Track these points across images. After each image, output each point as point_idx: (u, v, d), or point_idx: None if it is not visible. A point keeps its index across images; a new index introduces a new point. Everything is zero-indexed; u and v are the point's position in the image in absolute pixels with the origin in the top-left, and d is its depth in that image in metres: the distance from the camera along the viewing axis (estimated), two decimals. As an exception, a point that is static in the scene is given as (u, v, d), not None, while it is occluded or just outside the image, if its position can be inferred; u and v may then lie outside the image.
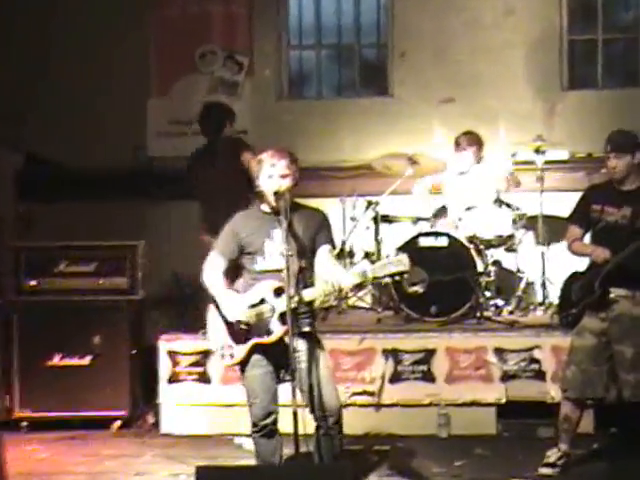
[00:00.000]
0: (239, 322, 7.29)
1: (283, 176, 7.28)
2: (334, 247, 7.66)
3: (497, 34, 12.94)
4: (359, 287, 10.19)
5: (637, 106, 12.62)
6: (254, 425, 7.53)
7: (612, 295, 8.37)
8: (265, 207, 7.48)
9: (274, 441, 7.56)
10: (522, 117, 12.55)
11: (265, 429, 7.50)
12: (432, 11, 12.89)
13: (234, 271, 7.62)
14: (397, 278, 7.67)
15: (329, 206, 10.27)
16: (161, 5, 13.26)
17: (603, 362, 8.44)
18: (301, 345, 7.30)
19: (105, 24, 12.83)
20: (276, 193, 7.25)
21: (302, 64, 13.84)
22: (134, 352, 10.69)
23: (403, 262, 7.05)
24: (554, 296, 11.24)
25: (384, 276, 7.23)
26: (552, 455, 8.61)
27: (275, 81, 13.43)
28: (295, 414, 7.00)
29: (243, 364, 7.46)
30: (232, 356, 7.45)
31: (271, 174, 7.30)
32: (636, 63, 13.33)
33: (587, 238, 8.77)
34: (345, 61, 13.92)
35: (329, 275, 7.25)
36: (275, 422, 7.52)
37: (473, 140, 11.52)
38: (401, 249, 10.26)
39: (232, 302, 7.35)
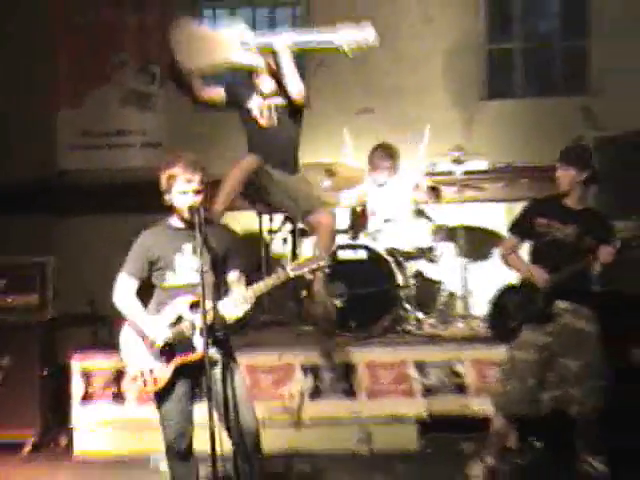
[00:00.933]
0: (165, 344, 7.22)
1: (196, 191, 7.23)
2: (244, 271, 7.63)
3: (416, 43, 12.92)
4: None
5: (556, 115, 12.66)
6: (168, 449, 7.48)
7: (555, 309, 8.37)
8: (176, 222, 7.42)
9: (190, 463, 7.53)
10: (441, 127, 12.41)
11: (180, 452, 7.45)
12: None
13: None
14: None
15: (246, 219, 10.16)
16: (69, 13, 13.06)
17: (542, 377, 8.44)
18: (217, 357, 7.28)
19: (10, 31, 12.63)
20: (191, 208, 7.19)
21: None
22: (45, 372, 10.51)
23: (319, 258, 7.26)
24: (475, 308, 11.39)
25: (304, 272, 7.29)
26: (475, 469, 8.56)
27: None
28: (212, 434, 6.92)
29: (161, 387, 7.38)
30: (155, 380, 7.35)
31: (186, 190, 7.24)
32: (554, 72, 13.31)
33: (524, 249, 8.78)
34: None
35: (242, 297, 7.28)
36: (190, 444, 7.48)
37: (386, 155, 11.46)
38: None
39: (153, 325, 7.27)
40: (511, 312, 8.70)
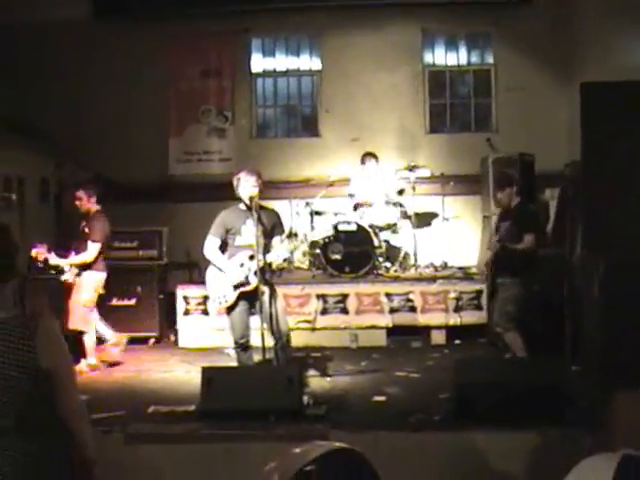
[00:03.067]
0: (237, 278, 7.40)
1: (253, 186, 7.38)
2: (283, 236, 7.77)
3: (386, 98, 12.84)
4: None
5: (468, 145, 12.65)
6: (235, 343, 7.64)
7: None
8: (242, 206, 7.53)
9: (248, 353, 7.68)
10: (401, 149, 12.51)
11: (242, 345, 7.57)
12: (345, 84, 12.88)
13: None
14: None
15: (281, 204, 10.26)
16: (177, 80, 13.11)
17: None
18: (265, 290, 7.35)
19: (139, 91, 12.67)
20: (250, 198, 7.30)
21: (265, 117, 13.75)
22: (161, 297, 10.67)
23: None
24: (421, 260, 11.45)
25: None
26: None
27: (248, 128, 13.29)
28: (262, 335, 7.21)
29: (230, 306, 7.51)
30: (226, 301, 7.51)
31: (245, 186, 7.39)
32: (469, 118, 13.32)
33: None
34: (291, 115, 13.81)
35: (282, 250, 7.57)
36: (248, 341, 7.62)
37: (372, 156, 11.47)
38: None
39: (228, 267, 7.43)
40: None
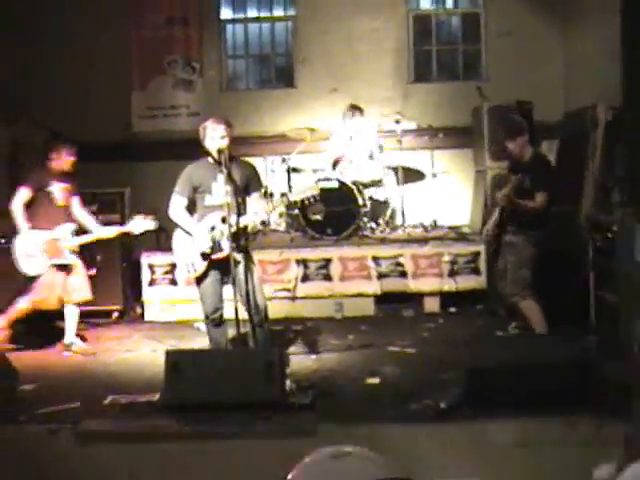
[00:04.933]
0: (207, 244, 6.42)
1: (222, 137, 6.39)
2: (261, 191, 6.85)
3: (366, 45, 11.85)
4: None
5: (457, 94, 11.73)
6: (206, 317, 6.66)
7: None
8: (210, 160, 6.51)
9: (221, 329, 6.67)
10: (384, 100, 11.50)
11: (215, 320, 6.58)
12: (322, 31, 11.83)
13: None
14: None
15: (256, 162, 9.18)
16: (139, 27, 11.99)
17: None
18: (240, 258, 6.35)
19: (96, 40, 11.51)
20: (218, 150, 6.32)
21: (236, 67, 12.66)
22: (125, 265, 9.67)
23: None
24: (409, 219, 10.55)
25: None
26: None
27: (218, 79, 12.22)
28: (236, 309, 6.17)
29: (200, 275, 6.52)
30: (195, 270, 6.52)
31: (213, 136, 6.41)
32: (457, 66, 12.33)
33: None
34: (264, 65, 12.77)
35: (260, 210, 6.53)
36: (221, 315, 6.63)
37: (357, 109, 10.51)
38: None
39: (197, 231, 6.43)
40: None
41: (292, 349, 7.56)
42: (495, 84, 11.51)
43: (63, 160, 7.90)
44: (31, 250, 7.62)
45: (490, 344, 7.05)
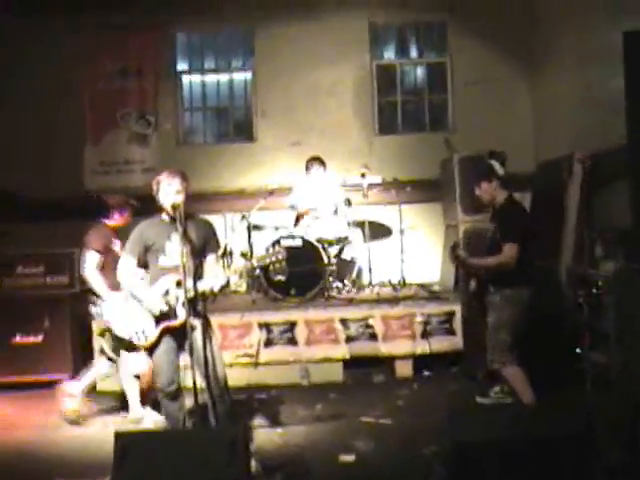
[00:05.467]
0: (160, 310, 5.81)
1: (177, 192, 5.83)
2: (219, 252, 6.21)
3: (329, 96, 11.51)
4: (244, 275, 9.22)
5: (423, 146, 11.41)
6: (161, 392, 5.93)
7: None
8: (165, 217, 5.91)
9: (178, 402, 5.98)
10: (350, 153, 11.15)
11: (170, 394, 5.90)
12: (282, 82, 11.45)
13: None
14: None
15: (214, 219, 8.64)
16: (92, 78, 11.51)
17: None
18: (197, 324, 5.73)
19: (49, 92, 11.05)
20: (173, 206, 5.72)
21: (193, 121, 12.19)
22: (74, 331, 8.94)
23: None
24: (376, 278, 10.04)
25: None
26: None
27: (174, 133, 11.80)
28: (194, 382, 5.55)
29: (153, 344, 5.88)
30: (147, 338, 5.88)
31: (168, 191, 5.83)
32: (423, 117, 11.92)
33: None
34: (222, 118, 12.26)
35: (217, 275, 5.91)
36: (178, 388, 5.95)
37: (318, 161, 10.08)
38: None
39: (149, 294, 5.82)
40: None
41: (256, 422, 6.97)
42: (463, 135, 11.26)
43: (125, 218, 7.67)
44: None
45: (471, 413, 6.45)
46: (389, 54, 11.94)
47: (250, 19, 11.62)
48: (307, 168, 10.10)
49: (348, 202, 9.96)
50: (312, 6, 11.42)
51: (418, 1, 11.52)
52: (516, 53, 11.33)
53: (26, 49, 11.07)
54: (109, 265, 7.15)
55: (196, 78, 12.01)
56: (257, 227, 9.90)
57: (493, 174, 6.70)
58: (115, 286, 6.64)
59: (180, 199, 5.78)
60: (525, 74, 11.35)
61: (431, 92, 11.93)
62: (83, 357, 8.91)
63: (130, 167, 11.61)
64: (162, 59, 11.70)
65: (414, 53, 11.99)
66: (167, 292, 5.78)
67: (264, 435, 6.53)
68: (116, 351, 7.31)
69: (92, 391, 7.80)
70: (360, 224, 9.96)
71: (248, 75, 11.91)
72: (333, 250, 9.66)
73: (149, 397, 7.33)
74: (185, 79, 12.00)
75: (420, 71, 12.08)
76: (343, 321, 8.61)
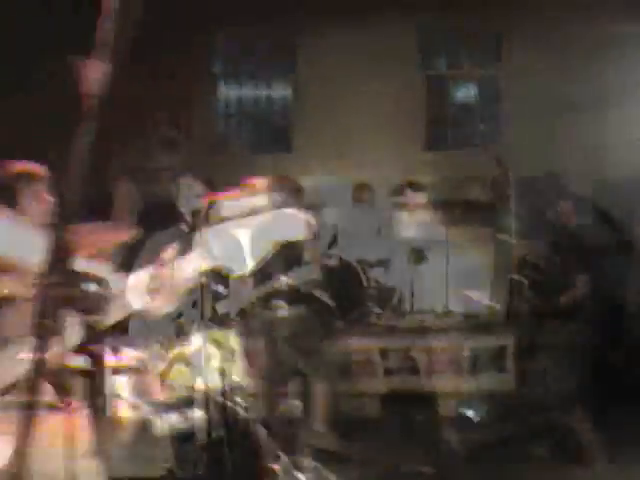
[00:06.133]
0: None
1: (198, 197, 5.13)
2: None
3: (375, 109, 11.16)
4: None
5: (474, 163, 10.83)
6: None
7: None
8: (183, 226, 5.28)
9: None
10: (394, 170, 10.68)
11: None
12: (325, 92, 11.27)
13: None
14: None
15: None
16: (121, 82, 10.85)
17: None
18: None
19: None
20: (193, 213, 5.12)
21: (228, 128, 12.12)
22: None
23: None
24: (419, 305, 9.41)
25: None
26: None
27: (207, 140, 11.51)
28: None
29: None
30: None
31: (187, 195, 5.24)
32: (474, 132, 11.65)
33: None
34: (259, 127, 12.01)
35: None
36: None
37: (368, 188, 9.93)
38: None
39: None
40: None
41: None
42: (518, 152, 10.49)
43: None
44: None
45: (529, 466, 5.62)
46: (440, 64, 11.60)
47: (293, 26, 11.29)
48: (355, 196, 9.88)
49: (391, 222, 9.55)
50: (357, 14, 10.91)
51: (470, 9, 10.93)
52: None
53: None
54: None
55: (233, 85, 11.77)
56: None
57: (564, 193, 6.01)
58: None
59: (201, 205, 5.09)
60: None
61: (483, 105, 11.54)
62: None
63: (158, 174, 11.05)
64: (199, 63, 11.42)
65: (466, 63, 11.57)
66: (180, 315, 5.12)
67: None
68: None
69: None
70: (404, 245, 9.39)
71: (288, 84, 11.69)
72: (373, 273, 9.04)
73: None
74: (222, 85, 11.73)
75: (471, 83, 11.67)
76: (382, 352, 7.85)
